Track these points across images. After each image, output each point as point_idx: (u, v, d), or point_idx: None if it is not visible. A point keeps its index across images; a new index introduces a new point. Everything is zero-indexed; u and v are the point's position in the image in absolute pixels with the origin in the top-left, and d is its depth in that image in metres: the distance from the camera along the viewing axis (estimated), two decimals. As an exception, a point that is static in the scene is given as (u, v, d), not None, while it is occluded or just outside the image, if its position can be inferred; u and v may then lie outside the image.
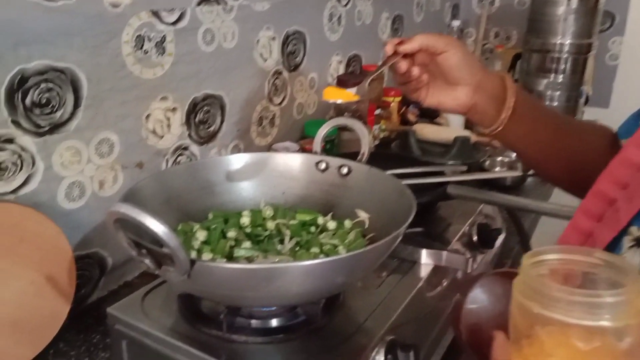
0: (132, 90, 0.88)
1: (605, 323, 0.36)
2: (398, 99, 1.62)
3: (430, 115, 1.71)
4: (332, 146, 1.29)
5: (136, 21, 0.86)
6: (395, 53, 0.69)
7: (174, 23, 0.92)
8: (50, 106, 0.76)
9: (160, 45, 0.91)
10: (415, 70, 0.70)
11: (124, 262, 0.92)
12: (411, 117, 1.64)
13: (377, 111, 1.51)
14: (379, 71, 0.72)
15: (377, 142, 1.49)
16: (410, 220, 0.60)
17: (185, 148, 1.01)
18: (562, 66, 1.73)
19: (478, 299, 0.54)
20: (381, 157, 1.29)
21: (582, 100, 1.81)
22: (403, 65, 0.70)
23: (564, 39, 1.70)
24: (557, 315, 0.37)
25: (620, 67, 2.03)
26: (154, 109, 0.93)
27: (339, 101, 0.77)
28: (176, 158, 0.99)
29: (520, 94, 0.71)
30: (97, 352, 0.76)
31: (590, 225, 0.58)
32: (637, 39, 1.98)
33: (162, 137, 0.95)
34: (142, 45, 0.88)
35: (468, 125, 1.60)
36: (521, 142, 0.73)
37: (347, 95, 0.77)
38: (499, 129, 0.71)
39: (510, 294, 0.41)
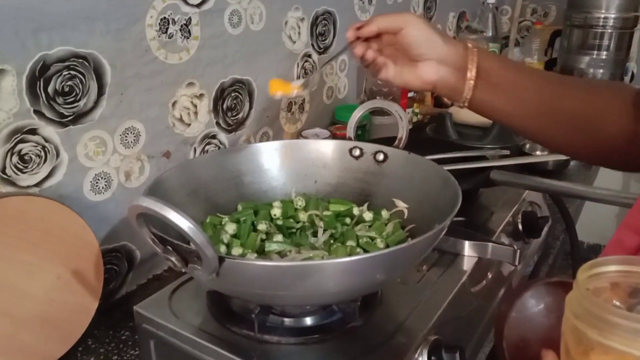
0: (157, 76, 0.84)
1: None
2: (432, 80, 1.55)
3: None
4: (363, 132, 1.24)
5: (160, 3, 0.82)
6: (358, 38, 0.69)
7: (199, 5, 0.88)
8: (73, 94, 0.73)
9: (186, 28, 0.87)
10: (370, 54, 0.70)
11: (152, 255, 0.89)
12: (446, 100, 1.58)
13: (410, 94, 1.45)
14: (332, 59, 0.71)
15: (410, 126, 1.43)
16: (456, 210, 0.55)
17: (213, 136, 0.97)
18: (605, 42, 1.64)
19: (525, 310, 0.49)
20: (416, 142, 1.24)
21: (628, 78, 1.71)
22: (358, 49, 0.70)
23: (608, 13, 1.60)
24: (620, 346, 0.31)
25: (669, 42, 1.90)
26: (180, 95, 0.89)
27: (292, 94, 0.72)
28: (204, 147, 0.96)
29: (489, 61, 0.67)
30: (127, 350, 0.73)
31: (638, 242, 0.52)
32: (687, 11, 1.85)
33: (189, 125, 0.92)
34: (167, 29, 0.84)
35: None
36: (504, 113, 0.68)
37: (291, 88, 0.72)
38: (467, 100, 0.68)
39: (562, 307, 0.36)
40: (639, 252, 0.53)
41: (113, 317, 0.80)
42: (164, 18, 0.83)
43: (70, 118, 0.73)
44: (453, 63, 0.67)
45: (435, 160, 0.70)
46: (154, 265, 0.91)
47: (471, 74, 0.66)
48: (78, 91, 0.73)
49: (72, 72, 0.72)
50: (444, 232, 0.55)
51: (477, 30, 1.84)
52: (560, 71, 1.74)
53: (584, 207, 1.27)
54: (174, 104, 0.88)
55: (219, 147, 0.98)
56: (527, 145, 1.31)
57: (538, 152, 1.32)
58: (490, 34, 1.88)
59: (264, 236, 0.64)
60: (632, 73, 1.76)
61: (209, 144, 0.97)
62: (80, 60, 0.73)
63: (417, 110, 1.49)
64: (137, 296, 0.85)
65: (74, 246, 0.71)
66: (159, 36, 0.83)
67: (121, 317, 0.80)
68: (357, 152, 0.76)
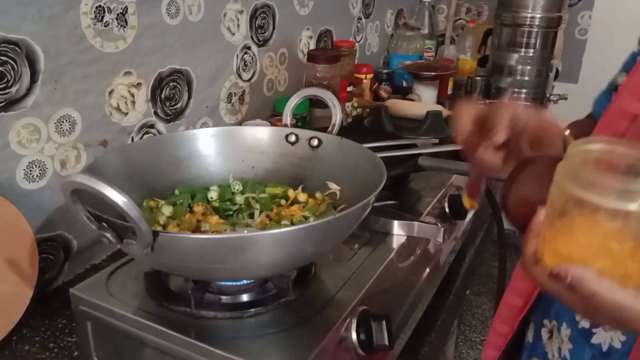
0: (93, 65, 0.84)
1: (633, 207, 0.38)
2: (370, 75, 1.60)
3: (403, 92, 1.70)
4: (303, 123, 1.27)
5: (94, -9, 0.82)
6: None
7: (136, -6, 0.89)
8: (4, 81, 0.72)
9: (122, 17, 0.87)
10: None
11: (90, 244, 0.89)
12: (383, 93, 1.63)
13: (349, 88, 1.49)
14: None
15: (349, 119, 1.48)
16: (381, 187, 0.59)
17: (151, 126, 0.98)
18: (532, 40, 1.74)
19: (530, 177, 0.52)
20: (353, 132, 1.28)
21: (552, 74, 1.82)
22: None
23: (534, 12, 1.70)
24: (590, 197, 0.39)
25: (589, 41, 2.04)
26: (118, 84, 0.89)
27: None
28: (142, 136, 0.96)
29: None
30: (63, 337, 0.73)
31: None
32: (605, 13, 1.99)
33: (126, 114, 0.92)
34: (103, 17, 0.84)
35: (440, 100, 1.60)
36: None
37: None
38: None
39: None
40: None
41: (50, 306, 0.80)
42: (100, 6, 0.83)
43: (1, 105, 0.73)
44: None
45: (369, 148, 0.73)
46: (92, 254, 0.91)
47: None
48: (9, 77, 0.73)
49: (3, 58, 0.71)
50: (369, 208, 0.59)
51: (414, 27, 1.91)
52: (492, 67, 1.84)
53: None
54: (110, 92, 0.88)
55: (158, 137, 0.99)
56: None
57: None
58: (426, 31, 1.95)
59: (200, 217, 0.66)
60: (557, 70, 1.88)
61: (147, 133, 0.97)
62: (12, 46, 0.72)
63: (355, 104, 1.54)
64: (74, 285, 0.84)
65: (6, 234, 0.70)
66: (95, 24, 0.83)
67: (58, 306, 0.80)
68: (292, 138, 0.78)
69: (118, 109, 0.90)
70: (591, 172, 0.40)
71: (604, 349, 0.55)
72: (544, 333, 0.63)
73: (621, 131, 0.56)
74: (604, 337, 0.55)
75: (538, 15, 1.71)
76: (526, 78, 1.78)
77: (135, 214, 0.45)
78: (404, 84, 1.74)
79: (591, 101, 0.72)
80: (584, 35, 2.05)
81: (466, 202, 0.65)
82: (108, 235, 0.50)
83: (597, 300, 0.40)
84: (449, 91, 1.76)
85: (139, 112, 0.94)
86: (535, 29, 1.73)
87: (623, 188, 0.38)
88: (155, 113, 0.98)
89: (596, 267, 0.40)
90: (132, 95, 0.93)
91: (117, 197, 0.44)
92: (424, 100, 1.61)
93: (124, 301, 0.61)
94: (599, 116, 0.62)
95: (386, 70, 1.77)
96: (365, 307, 0.61)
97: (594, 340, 0.56)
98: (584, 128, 0.64)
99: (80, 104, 0.83)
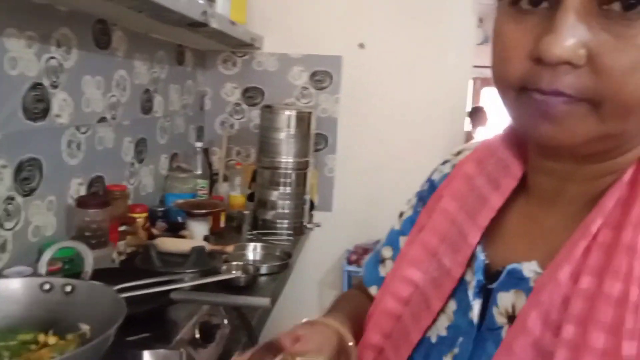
0: None
1: None
2: (144, 214, 1.73)
3: (178, 227, 1.86)
4: (72, 265, 1.33)
5: None
6: None
7: None
8: None
9: None
10: None
11: None
12: (157, 231, 1.77)
13: (122, 227, 1.60)
14: None
15: (122, 257, 1.57)
16: (118, 324, 0.71)
17: None
18: (288, 180, 2.08)
19: None
20: (124, 271, 1.39)
21: (307, 206, 2.17)
22: None
23: (287, 158, 2.05)
24: None
25: (336, 177, 2.50)
26: None
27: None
28: None
29: None
30: None
31: None
32: (345, 155, 2.48)
33: None
34: None
35: (206, 235, 1.79)
36: None
37: None
38: None
39: None
40: None
41: None
42: None
43: None
44: None
45: (129, 287, 0.86)
46: None
47: None
48: None
49: None
50: (108, 342, 0.71)
51: (187, 169, 2.13)
52: (257, 202, 2.12)
53: (273, 315, 1.55)
54: None
55: None
56: (224, 267, 1.56)
57: (234, 272, 1.58)
58: (200, 172, 2.19)
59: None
60: (312, 202, 2.24)
61: None
62: None
63: (130, 242, 1.64)
64: None
65: None
66: None
67: None
68: (47, 287, 0.87)
69: None
70: None
71: None
72: None
73: (405, 296, 0.64)
74: None
75: (291, 160, 2.06)
76: (286, 211, 2.09)
77: None
78: (179, 219, 1.91)
79: (342, 226, 0.91)
80: (331, 173, 2.50)
81: None
82: None
83: None
84: (222, 224, 1.98)
85: None
86: (290, 171, 2.07)
87: None
88: None
89: None
90: None
91: None
92: (196, 235, 1.78)
93: None
94: (371, 283, 0.75)
95: (162, 208, 1.92)
96: None
97: None
98: (358, 307, 0.74)
99: None
